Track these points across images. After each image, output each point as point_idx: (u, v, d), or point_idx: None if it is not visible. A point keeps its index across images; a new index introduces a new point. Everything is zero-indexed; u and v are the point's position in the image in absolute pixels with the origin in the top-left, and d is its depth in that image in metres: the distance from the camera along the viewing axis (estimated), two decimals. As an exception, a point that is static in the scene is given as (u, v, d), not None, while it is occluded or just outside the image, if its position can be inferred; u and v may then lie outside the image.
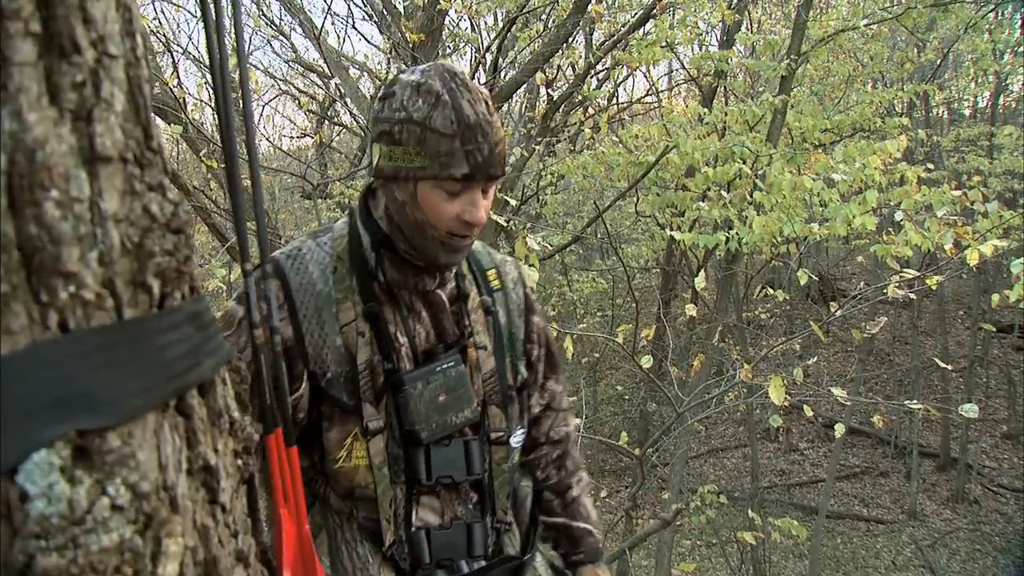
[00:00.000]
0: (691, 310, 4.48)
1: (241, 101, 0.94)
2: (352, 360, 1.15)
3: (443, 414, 1.17)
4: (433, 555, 1.18)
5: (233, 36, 0.78)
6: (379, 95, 1.14)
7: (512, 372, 1.30)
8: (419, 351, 1.19)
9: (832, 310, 3.82)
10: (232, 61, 0.81)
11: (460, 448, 1.20)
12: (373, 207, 1.19)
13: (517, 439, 1.30)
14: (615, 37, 6.35)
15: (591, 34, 8.16)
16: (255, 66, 8.01)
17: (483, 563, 1.21)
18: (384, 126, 1.10)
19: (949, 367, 5.25)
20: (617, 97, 10.62)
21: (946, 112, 14.67)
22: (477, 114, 1.08)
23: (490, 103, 1.11)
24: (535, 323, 1.36)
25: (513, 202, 5.17)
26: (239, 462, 0.64)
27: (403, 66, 5.80)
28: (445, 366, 1.18)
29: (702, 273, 5.62)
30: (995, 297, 3.76)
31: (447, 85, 1.08)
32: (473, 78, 6.11)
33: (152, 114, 0.55)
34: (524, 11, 5.63)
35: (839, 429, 4.16)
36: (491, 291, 1.30)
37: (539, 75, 5.95)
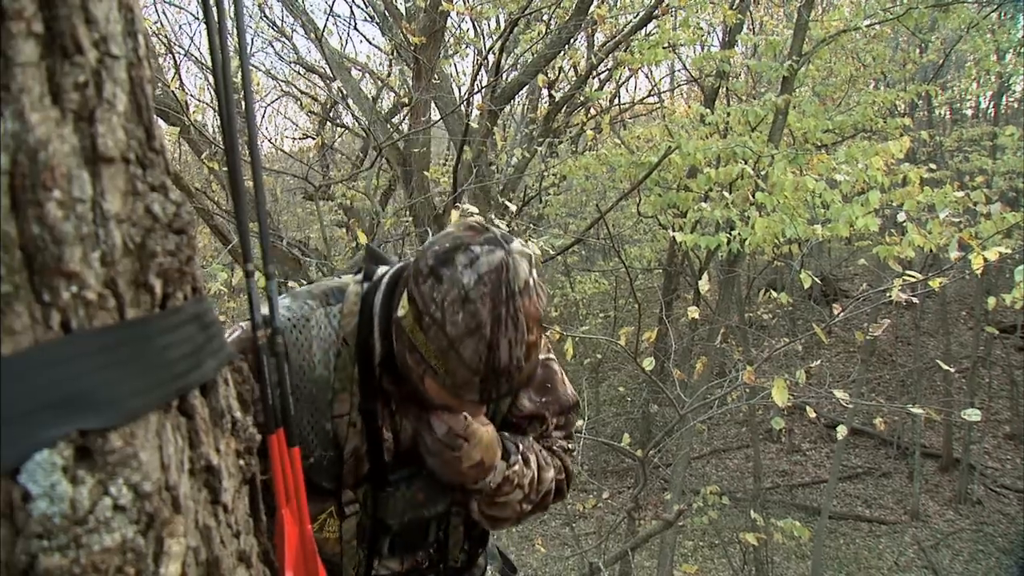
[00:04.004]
0: (693, 312, 4.47)
1: (243, 102, 0.95)
2: (338, 446, 1.12)
3: (417, 510, 1.19)
4: None
5: (235, 37, 0.78)
6: (430, 259, 0.99)
7: None
8: (402, 449, 1.17)
9: (835, 312, 3.81)
10: (234, 62, 0.81)
11: (421, 523, 1.22)
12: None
13: (475, 507, 1.27)
14: (617, 38, 6.36)
15: (593, 35, 8.16)
16: (257, 67, 8.02)
17: None
18: (419, 302, 0.99)
19: (952, 370, 5.24)
20: (619, 98, 10.64)
21: (948, 112, 14.65)
22: (511, 359, 0.98)
23: (534, 339, 1.00)
24: None
25: (513, 207, 5.17)
26: (241, 462, 0.64)
27: (405, 68, 5.80)
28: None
29: (705, 275, 5.61)
30: (991, 300, 3.76)
31: (496, 312, 0.96)
32: (475, 80, 6.16)
33: (154, 114, 0.55)
34: (526, 13, 5.63)
35: (841, 430, 4.15)
36: None
37: (541, 76, 5.95)
